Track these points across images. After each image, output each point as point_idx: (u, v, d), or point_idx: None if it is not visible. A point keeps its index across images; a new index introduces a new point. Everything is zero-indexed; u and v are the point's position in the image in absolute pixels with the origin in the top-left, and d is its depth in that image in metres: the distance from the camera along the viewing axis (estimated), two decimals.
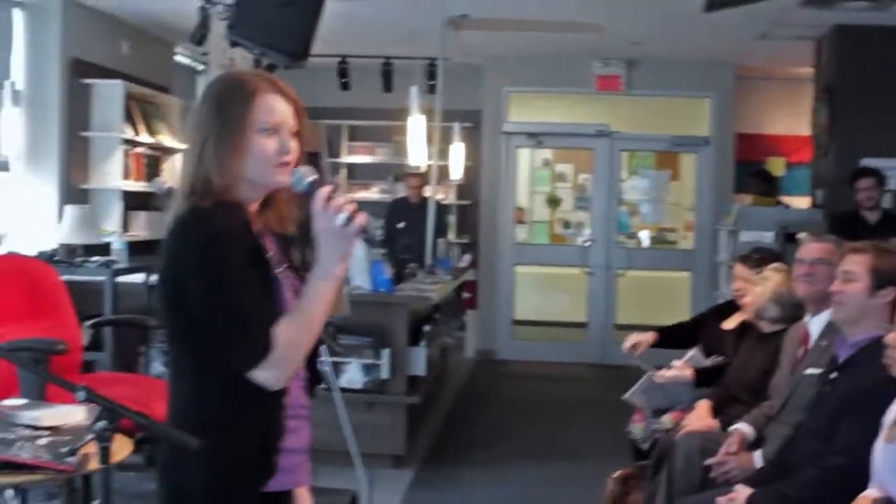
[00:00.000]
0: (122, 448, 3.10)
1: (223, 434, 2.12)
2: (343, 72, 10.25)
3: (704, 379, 4.91)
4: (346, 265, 2.20)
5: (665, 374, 4.93)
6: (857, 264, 3.40)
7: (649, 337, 5.23)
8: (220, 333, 2.08)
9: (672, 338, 5.36)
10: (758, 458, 3.85)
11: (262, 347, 2.05)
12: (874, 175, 7.21)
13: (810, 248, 4.14)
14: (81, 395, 2.12)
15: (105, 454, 2.17)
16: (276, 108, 2.18)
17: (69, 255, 6.53)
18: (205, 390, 2.15)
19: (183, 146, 2.24)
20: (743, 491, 3.34)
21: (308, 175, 2.16)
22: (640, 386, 5.03)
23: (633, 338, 5.20)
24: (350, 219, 2.07)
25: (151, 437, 2.72)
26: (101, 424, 2.14)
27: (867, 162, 7.55)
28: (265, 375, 2.07)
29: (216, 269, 2.07)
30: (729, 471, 3.87)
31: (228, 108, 2.16)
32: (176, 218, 2.13)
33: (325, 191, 2.10)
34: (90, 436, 2.15)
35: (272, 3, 4.99)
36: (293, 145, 2.19)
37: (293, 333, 2.09)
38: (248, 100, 2.16)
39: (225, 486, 2.15)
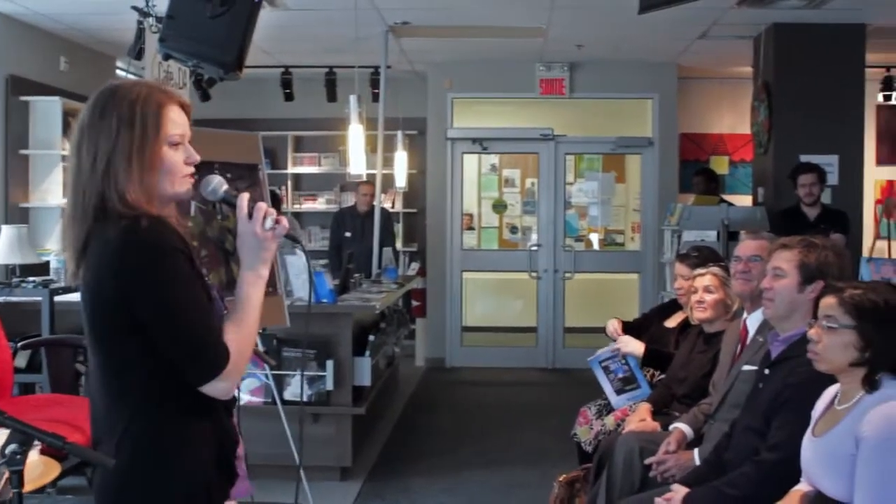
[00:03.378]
0: (49, 471, 3.03)
1: (185, 452, 2.12)
2: (287, 82, 10.20)
3: (653, 360, 5.05)
4: (271, 271, 2.22)
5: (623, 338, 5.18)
6: (785, 260, 3.41)
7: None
8: (180, 349, 2.07)
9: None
10: (696, 457, 3.85)
11: (221, 359, 2.08)
12: (814, 171, 7.28)
13: (746, 246, 4.17)
14: None
15: (17, 478, 2.12)
16: (180, 121, 2.20)
17: (7, 276, 6.42)
18: (159, 412, 2.11)
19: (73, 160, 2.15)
20: (679, 490, 3.33)
21: (222, 185, 2.27)
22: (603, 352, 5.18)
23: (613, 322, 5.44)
24: (275, 222, 2.20)
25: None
26: (12, 448, 2.09)
27: (806, 158, 7.64)
28: (221, 386, 2.10)
29: (170, 285, 2.06)
30: (668, 470, 3.88)
31: (142, 122, 2.13)
32: (111, 239, 2.06)
33: (246, 197, 2.21)
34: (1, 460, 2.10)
35: (203, 16, 4.94)
36: (197, 155, 2.23)
37: (240, 342, 2.12)
38: (158, 114, 2.16)
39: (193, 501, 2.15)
